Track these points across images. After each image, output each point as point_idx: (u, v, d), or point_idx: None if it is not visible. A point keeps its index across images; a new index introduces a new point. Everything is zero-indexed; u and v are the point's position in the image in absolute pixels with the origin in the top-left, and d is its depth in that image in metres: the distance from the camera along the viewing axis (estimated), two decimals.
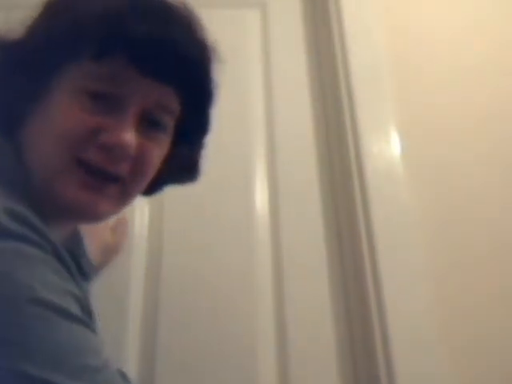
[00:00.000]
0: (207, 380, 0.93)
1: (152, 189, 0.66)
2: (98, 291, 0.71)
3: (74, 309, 0.45)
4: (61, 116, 0.54)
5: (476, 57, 1.17)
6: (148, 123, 0.57)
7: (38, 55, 0.55)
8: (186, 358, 0.93)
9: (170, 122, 0.59)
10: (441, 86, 1.14)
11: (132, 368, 0.92)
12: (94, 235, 0.77)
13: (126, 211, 0.76)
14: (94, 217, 0.58)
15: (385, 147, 1.06)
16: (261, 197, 1.09)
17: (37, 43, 0.55)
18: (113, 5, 0.55)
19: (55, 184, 0.53)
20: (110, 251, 0.90)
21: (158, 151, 0.59)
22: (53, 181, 0.53)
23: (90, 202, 0.54)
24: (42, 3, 0.59)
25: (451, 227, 1.02)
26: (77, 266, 0.58)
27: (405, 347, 0.89)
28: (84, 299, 0.49)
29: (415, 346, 0.89)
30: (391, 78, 1.12)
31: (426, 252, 0.98)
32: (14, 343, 0.40)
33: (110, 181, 0.55)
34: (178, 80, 0.57)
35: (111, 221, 0.89)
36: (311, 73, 1.21)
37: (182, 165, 0.66)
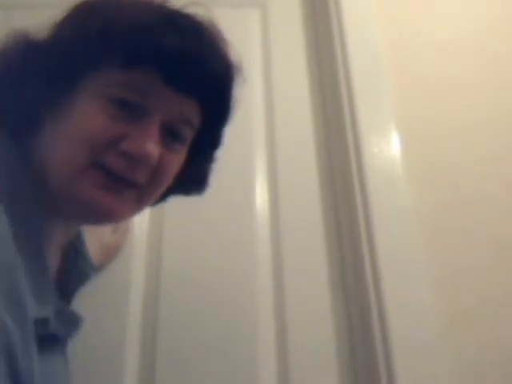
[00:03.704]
0: (207, 381, 0.93)
1: (159, 198, 0.66)
2: (98, 292, 0.71)
3: None
4: (86, 121, 0.54)
5: (476, 57, 1.17)
6: (169, 134, 0.58)
7: (64, 59, 0.55)
8: (187, 359, 0.93)
9: (189, 134, 0.60)
10: (441, 86, 1.14)
11: (132, 368, 0.92)
12: (94, 235, 0.77)
13: None
14: (111, 218, 0.58)
15: (385, 147, 1.06)
16: (261, 197, 1.09)
17: (64, 47, 0.55)
18: (144, 15, 0.55)
19: (74, 185, 0.54)
20: (111, 251, 0.90)
21: (176, 161, 0.60)
22: (72, 182, 0.54)
23: (108, 202, 0.55)
24: (71, 5, 0.59)
25: (451, 227, 1.02)
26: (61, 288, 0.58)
27: (405, 347, 0.89)
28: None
29: (415, 346, 0.89)
30: (391, 78, 1.12)
31: (426, 252, 0.98)
32: None
33: (128, 186, 0.56)
34: (204, 95, 0.58)
35: None
36: (311, 73, 1.21)
37: (192, 177, 0.67)
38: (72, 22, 0.58)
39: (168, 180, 0.60)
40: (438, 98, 1.13)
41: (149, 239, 1.04)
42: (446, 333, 0.92)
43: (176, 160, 0.60)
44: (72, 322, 0.57)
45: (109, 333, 0.90)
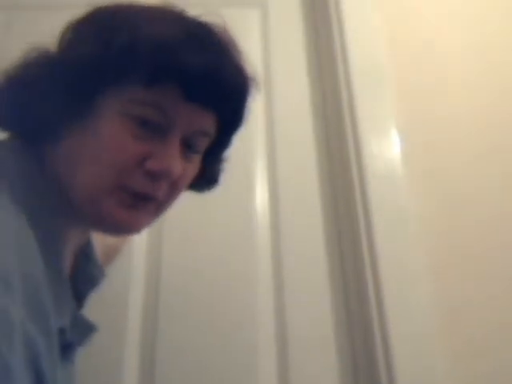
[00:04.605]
0: (207, 379, 0.93)
1: None
2: (98, 294, 0.71)
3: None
4: (111, 142, 0.55)
5: (477, 57, 1.17)
6: (187, 146, 0.59)
7: (84, 75, 0.55)
8: (187, 359, 0.93)
9: (205, 144, 0.62)
10: (441, 86, 1.14)
11: (132, 369, 0.92)
12: (97, 238, 0.77)
13: None
14: (131, 231, 0.61)
15: (385, 147, 1.06)
16: (261, 197, 1.09)
17: (84, 60, 0.55)
18: (167, 32, 0.55)
19: (101, 202, 0.55)
20: (111, 253, 0.90)
21: (192, 171, 0.62)
22: (99, 199, 0.55)
23: (131, 219, 0.57)
24: (88, 14, 0.59)
25: (451, 227, 1.02)
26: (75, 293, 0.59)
27: (405, 347, 0.89)
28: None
29: (415, 346, 0.89)
30: (391, 78, 1.12)
31: (426, 252, 0.98)
32: None
33: (150, 201, 0.57)
34: (222, 108, 0.59)
35: None
36: (311, 73, 1.21)
37: (204, 176, 0.68)
38: (93, 31, 0.57)
39: (184, 188, 0.62)
40: (438, 98, 1.13)
41: (148, 238, 1.04)
42: (446, 332, 0.92)
43: (192, 169, 0.61)
44: (85, 330, 0.58)
45: (108, 336, 0.90)
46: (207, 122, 0.59)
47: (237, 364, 0.94)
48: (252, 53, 1.22)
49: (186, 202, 1.06)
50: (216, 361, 0.94)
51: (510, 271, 0.99)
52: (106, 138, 0.55)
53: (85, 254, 0.69)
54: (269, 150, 1.13)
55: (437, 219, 1.02)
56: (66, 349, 0.52)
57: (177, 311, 0.97)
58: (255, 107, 1.15)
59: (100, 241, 0.79)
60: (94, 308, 0.66)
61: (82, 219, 0.58)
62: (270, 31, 1.25)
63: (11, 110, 0.57)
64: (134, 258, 1.01)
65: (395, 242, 0.97)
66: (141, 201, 0.56)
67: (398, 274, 0.95)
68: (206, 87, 0.55)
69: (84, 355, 0.60)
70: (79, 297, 0.65)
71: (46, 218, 0.53)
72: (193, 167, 0.61)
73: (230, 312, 0.97)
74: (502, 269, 0.99)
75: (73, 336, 0.53)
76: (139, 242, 1.03)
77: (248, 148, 1.13)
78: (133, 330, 0.95)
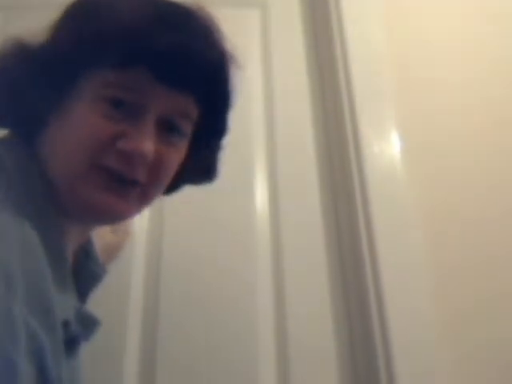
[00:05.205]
0: (207, 381, 0.93)
1: (170, 188, 0.67)
2: (98, 293, 0.71)
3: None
4: (82, 124, 0.55)
5: (477, 57, 1.17)
6: (166, 129, 0.58)
7: (60, 62, 0.56)
8: (187, 361, 0.93)
9: (188, 127, 0.61)
10: (441, 86, 1.14)
11: (132, 369, 0.92)
12: (97, 236, 0.77)
13: None
14: (115, 218, 0.60)
15: (385, 147, 1.06)
16: (261, 197, 1.09)
17: (60, 49, 0.56)
18: (137, 14, 0.56)
19: (78, 188, 0.55)
20: (111, 252, 0.90)
21: (176, 156, 0.60)
22: (75, 185, 0.55)
23: (112, 203, 0.56)
24: (65, 6, 0.60)
25: (451, 227, 1.02)
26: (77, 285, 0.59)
27: (405, 347, 0.89)
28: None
29: (415, 346, 0.89)
30: (391, 78, 1.12)
31: (426, 252, 0.98)
32: None
33: (129, 185, 0.57)
34: (197, 88, 0.58)
35: None
36: (311, 73, 1.21)
37: (200, 166, 0.68)
38: (66, 23, 0.59)
39: (169, 174, 0.61)
40: (438, 98, 1.13)
41: (149, 238, 1.05)
42: (446, 332, 0.92)
43: (176, 154, 0.60)
44: (90, 325, 0.58)
45: (109, 333, 0.90)
46: (184, 104, 0.58)
47: (237, 360, 0.94)
48: (252, 53, 1.23)
49: (186, 201, 1.06)
50: (217, 357, 0.94)
51: (510, 273, 0.99)
52: (77, 122, 0.55)
53: (85, 252, 0.69)
54: (269, 149, 1.13)
55: (436, 218, 1.02)
56: (71, 343, 0.52)
57: (177, 310, 0.97)
58: (255, 107, 1.16)
59: (100, 239, 0.79)
60: (94, 305, 0.66)
61: (69, 212, 0.57)
62: (270, 31, 1.25)
63: None
64: (135, 256, 1.01)
65: (395, 241, 0.97)
66: (119, 184, 0.56)
67: (398, 273, 0.95)
68: (175, 67, 0.55)
69: (84, 350, 0.60)
70: (81, 294, 0.66)
71: (46, 214, 0.53)
72: (177, 152, 0.60)
73: (230, 310, 0.97)
74: (503, 268, 0.99)
75: (77, 330, 0.53)
76: (140, 242, 1.03)
77: (248, 148, 1.13)
78: (133, 330, 0.95)
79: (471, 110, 1.12)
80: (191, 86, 0.58)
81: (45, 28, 0.59)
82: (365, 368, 0.93)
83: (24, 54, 0.57)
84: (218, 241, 1.03)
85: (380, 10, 1.19)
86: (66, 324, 0.49)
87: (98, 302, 0.68)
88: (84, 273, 0.67)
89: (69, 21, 0.59)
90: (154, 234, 1.05)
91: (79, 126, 0.55)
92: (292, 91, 1.18)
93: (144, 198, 0.59)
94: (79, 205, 0.55)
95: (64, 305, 0.50)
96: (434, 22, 1.21)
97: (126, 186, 0.56)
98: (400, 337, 0.90)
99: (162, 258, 1.02)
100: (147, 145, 0.55)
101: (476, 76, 1.15)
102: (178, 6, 0.59)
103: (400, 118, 1.09)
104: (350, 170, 1.05)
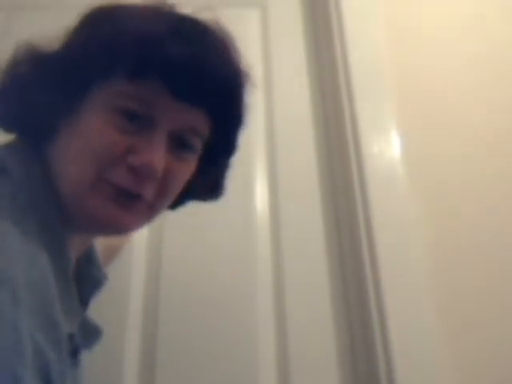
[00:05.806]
0: (208, 378, 0.93)
1: (175, 203, 0.66)
2: (98, 301, 0.71)
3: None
4: (96, 133, 0.54)
5: (477, 56, 1.17)
6: (177, 143, 0.58)
7: (73, 70, 0.55)
8: (186, 368, 0.93)
9: (198, 143, 0.60)
10: (441, 85, 1.14)
11: (132, 370, 0.92)
12: (98, 238, 0.77)
13: None
14: (121, 231, 0.59)
15: (385, 147, 1.06)
16: (261, 198, 1.09)
17: (73, 57, 0.56)
18: (151, 25, 0.55)
19: (85, 198, 0.54)
20: (111, 253, 0.90)
21: (186, 171, 0.60)
22: (83, 195, 0.54)
23: (119, 216, 0.55)
24: (81, 16, 0.59)
25: (451, 227, 1.02)
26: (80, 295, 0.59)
27: (405, 348, 0.89)
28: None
29: (416, 348, 0.89)
30: (391, 78, 1.12)
31: (426, 252, 0.98)
32: None
33: (135, 198, 0.56)
34: (210, 105, 0.57)
35: None
36: (311, 73, 1.21)
37: (207, 183, 0.67)
38: (82, 30, 0.58)
39: (177, 189, 0.60)
40: (438, 97, 1.13)
41: (149, 239, 1.04)
42: (446, 333, 0.92)
43: (185, 169, 0.60)
44: (92, 334, 0.58)
45: (108, 342, 0.89)
46: (196, 120, 0.57)
47: (237, 365, 0.94)
48: (252, 53, 1.23)
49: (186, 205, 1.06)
50: (217, 362, 0.93)
51: (511, 270, 0.99)
52: (89, 132, 0.54)
53: (87, 258, 0.68)
54: (269, 150, 1.13)
55: (437, 219, 1.02)
56: (75, 353, 0.52)
57: (177, 312, 0.97)
58: (255, 107, 1.16)
59: (101, 242, 0.78)
60: (93, 314, 0.66)
61: (74, 223, 0.57)
62: (270, 31, 1.25)
63: (5, 109, 0.58)
64: (134, 257, 1.01)
65: (395, 240, 0.97)
66: (126, 198, 0.55)
67: (398, 273, 0.94)
68: (189, 81, 0.54)
69: (84, 360, 0.60)
70: (83, 300, 0.65)
71: (52, 224, 0.53)
72: (187, 167, 0.60)
73: (230, 313, 0.97)
74: (503, 268, 0.99)
75: (80, 340, 0.53)
76: (139, 243, 1.03)
77: (248, 148, 1.12)
78: (132, 338, 0.95)
79: (471, 110, 1.12)
80: (204, 102, 0.57)
81: (54, 31, 0.58)
82: (365, 372, 0.93)
83: (37, 60, 0.57)
84: (218, 242, 1.03)
85: (380, 11, 1.19)
86: (71, 336, 0.49)
87: (97, 311, 0.68)
88: (86, 278, 0.67)
89: (84, 29, 0.58)
90: (154, 236, 1.04)
91: (92, 136, 0.54)
92: (292, 91, 1.18)
93: (150, 212, 0.59)
94: (85, 215, 0.55)
95: (69, 316, 0.49)
96: (434, 22, 1.21)
97: (133, 199, 0.56)
98: (400, 338, 0.90)
99: (161, 262, 1.01)
100: (157, 159, 0.54)
101: (476, 76, 1.15)
102: (195, 20, 0.59)
103: (400, 118, 1.09)
104: (350, 170, 1.05)
